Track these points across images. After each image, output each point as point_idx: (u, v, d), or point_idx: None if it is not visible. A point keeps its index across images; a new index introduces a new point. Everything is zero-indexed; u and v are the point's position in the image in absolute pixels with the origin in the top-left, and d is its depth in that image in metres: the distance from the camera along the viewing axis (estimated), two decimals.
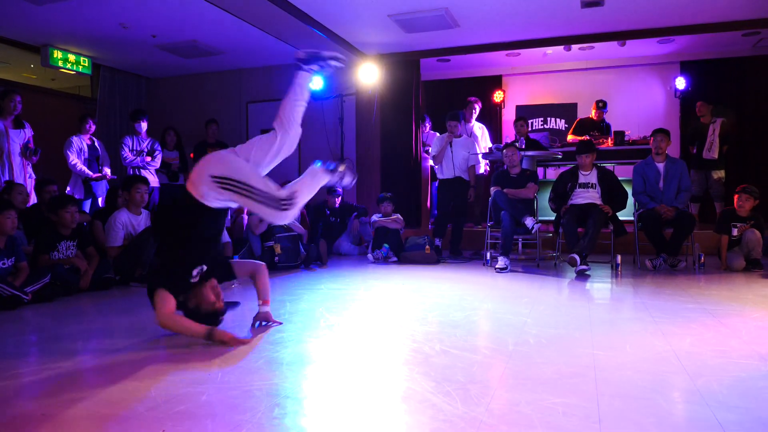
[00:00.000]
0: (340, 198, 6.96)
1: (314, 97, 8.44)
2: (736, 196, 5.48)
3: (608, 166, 6.62)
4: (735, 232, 5.39)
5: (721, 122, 7.23)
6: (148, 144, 6.74)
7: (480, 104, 7.86)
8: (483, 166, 7.74)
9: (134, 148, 6.65)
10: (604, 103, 7.74)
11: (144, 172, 6.55)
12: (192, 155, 7.47)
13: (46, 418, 1.81)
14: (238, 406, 1.88)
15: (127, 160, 6.58)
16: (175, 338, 2.92)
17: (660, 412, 1.84)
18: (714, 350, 2.57)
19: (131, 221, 4.95)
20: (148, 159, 6.67)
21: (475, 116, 7.80)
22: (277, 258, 5.49)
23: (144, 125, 6.76)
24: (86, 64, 7.83)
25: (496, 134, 9.12)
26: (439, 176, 6.74)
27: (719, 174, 7.28)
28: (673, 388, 2.10)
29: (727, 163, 7.41)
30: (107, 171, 6.49)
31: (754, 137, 8.13)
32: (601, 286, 4.65)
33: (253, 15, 6.21)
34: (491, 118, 9.24)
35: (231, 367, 2.36)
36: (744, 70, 8.29)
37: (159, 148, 6.82)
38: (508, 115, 9.41)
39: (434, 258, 6.04)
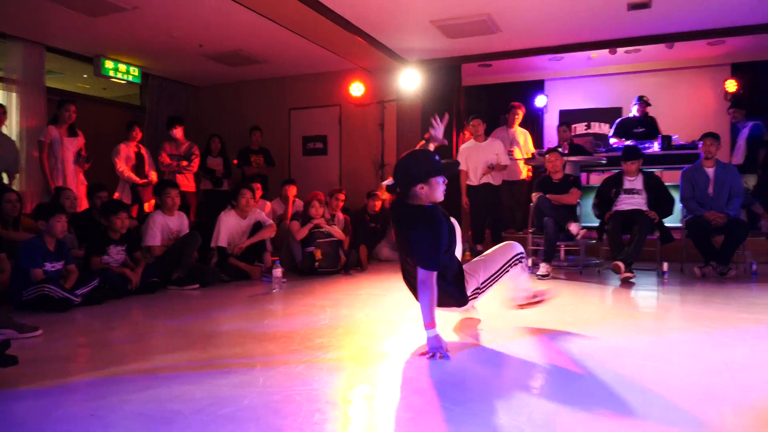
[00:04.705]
0: (380, 203, 6.98)
1: (356, 104, 8.52)
2: None
3: (655, 171, 6.45)
4: None
5: (751, 127, 6.95)
6: (185, 149, 6.89)
7: (523, 109, 7.76)
8: (525, 172, 7.65)
9: (171, 153, 6.83)
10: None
11: (180, 177, 6.72)
12: (236, 161, 7.63)
13: (95, 419, 1.87)
14: (279, 411, 1.91)
15: (164, 165, 6.76)
16: (217, 342, 2.98)
17: (712, 427, 1.78)
18: None
19: (166, 223, 5.20)
20: (185, 164, 6.82)
21: (518, 121, 7.71)
22: (317, 263, 5.54)
23: (178, 132, 6.91)
24: (136, 74, 8.10)
25: (538, 139, 8.99)
26: (468, 182, 6.67)
27: (746, 179, 6.98)
28: (726, 401, 2.02)
29: (765, 169, 7.07)
30: (153, 177, 6.68)
31: None
32: (646, 294, 4.52)
33: (296, 23, 6.31)
34: (533, 122, 9.11)
35: (272, 371, 2.39)
36: None
37: (196, 153, 6.96)
38: (551, 120, 9.27)
39: None
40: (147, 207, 6.61)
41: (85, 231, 4.99)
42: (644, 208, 5.26)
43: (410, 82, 7.66)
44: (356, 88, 8.03)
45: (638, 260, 5.10)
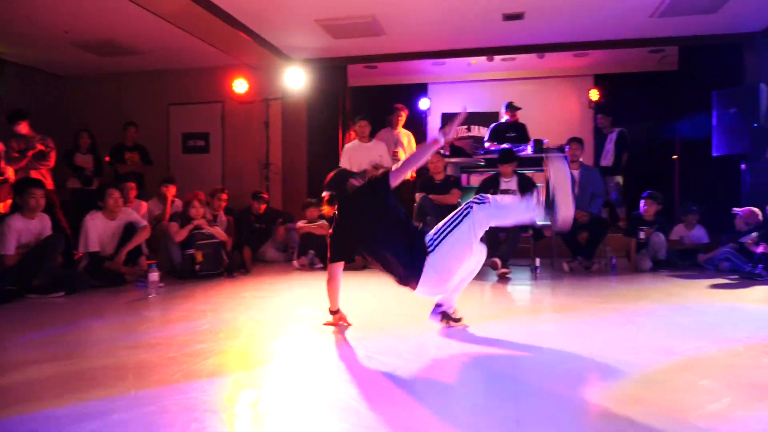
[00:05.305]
0: (265, 205, 6.83)
1: (240, 101, 8.25)
2: (642, 201, 5.83)
3: (527, 172, 6.86)
4: (642, 235, 5.73)
5: (617, 132, 7.69)
6: (37, 141, 6.25)
7: (407, 111, 7.93)
8: (409, 172, 7.81)
9: (20, 150, 6.16)
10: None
11: (35, 174, 6.08)
12: (107, 159, 7.12)
13: None
14: (153, 423, 1.80)
15: (12, 161, 6.10)
16: (85, 353, 2.76)
17: (575, 410, 1.92)
18: (624, 347, 2.71)
19: (26, 227, 4.65)
20: (41, 147, 6.15)
21: (401, 123, 7.87)
22: (198, 266, 5.32)
23: (23, 127, 6.18)
24: None
25: (421, 141, 9.22)
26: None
27: (616, 179, 7.71)
28: (587, 385, 2.19)
29: (627, 170, 7.83)
30: (10, 174, 6.04)
31: (654, 145, 8.64)
32: (521, 288, 4.80)
33: (175, 15, 6.00)
34: (417, 124, 9.36)
35: (146, 381, 2.25)
36: (649, 83, 8.85)
37: (51, 145, 6.33)
38: (434, 123, 9.59)
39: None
40: (2, 207, 5.95)
41: None
42: None
43: (296, 80, 7.57)
44: (240, 85, 7.81)
45: (513, 256, 5.41)
